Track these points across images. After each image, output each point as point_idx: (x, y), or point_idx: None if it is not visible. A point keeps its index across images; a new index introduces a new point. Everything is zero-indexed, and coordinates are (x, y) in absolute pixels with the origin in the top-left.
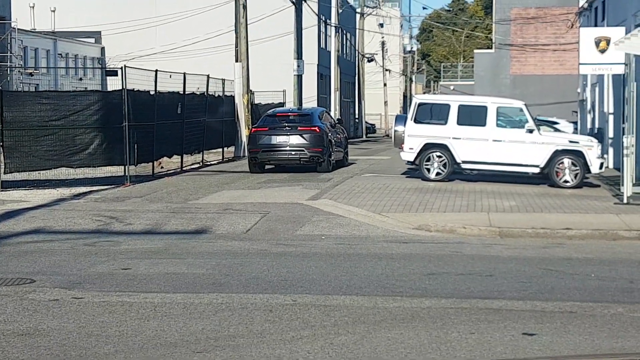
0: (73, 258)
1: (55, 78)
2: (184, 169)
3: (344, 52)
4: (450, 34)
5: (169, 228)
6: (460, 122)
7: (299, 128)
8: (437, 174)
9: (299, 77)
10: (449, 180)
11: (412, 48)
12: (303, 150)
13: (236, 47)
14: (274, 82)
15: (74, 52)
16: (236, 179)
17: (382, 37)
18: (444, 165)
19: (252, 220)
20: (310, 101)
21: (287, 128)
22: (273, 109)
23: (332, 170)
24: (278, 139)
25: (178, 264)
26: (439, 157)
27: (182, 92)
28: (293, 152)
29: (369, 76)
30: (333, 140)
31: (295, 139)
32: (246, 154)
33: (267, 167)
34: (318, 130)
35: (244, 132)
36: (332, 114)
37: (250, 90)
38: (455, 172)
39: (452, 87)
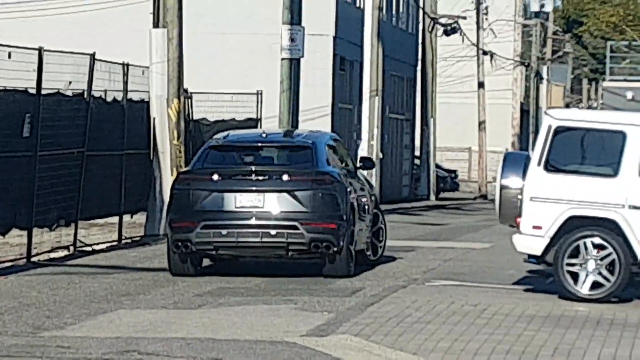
0: None
1: None
2: (34, 259)
3: (393, 13)
4: None
5: None
6: None
7: (285, 177)
8: (595, 285)
9: (293, 64)
10: (620, 299)
11: (542, 7)
12: (295, 228)
13: None
14: (239, 77)
15: None
16: (149, 285)
17: None
18: (611, 267)
19: None
20: (316, 116)
21: (258, 176)
22: (226, 133)
23: (353, 270)
24: (238, 201)
25: None
26: (600, 248)
27: (33, 92)
28: (273, 232)
29: (447, 66)
30: (357, 206)
31: (277, 202)
32: (167, 232)
33: (212, 258)
34: (329, 181)
35: (170, 180)
36: (361, 146)
37: (187, 91)
38: (636, 281)
39: (629, 94)
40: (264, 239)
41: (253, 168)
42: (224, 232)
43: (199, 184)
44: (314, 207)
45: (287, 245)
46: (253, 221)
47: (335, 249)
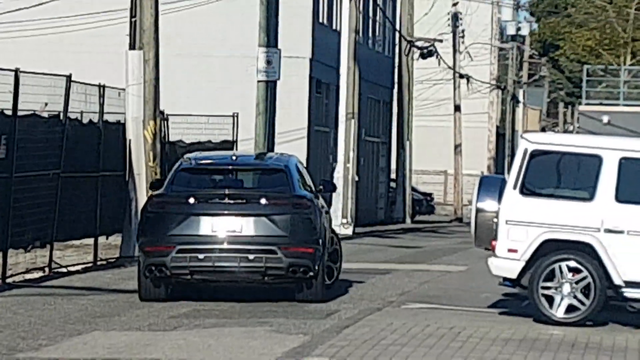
0: None
1: None
2: (9, 280)
3: (369, 36)
4: (604, 1)
5: None
6: (623, 196)
7: (263, 201)
8: (570, 308)
9: (269, 87)
10: (595, 323)
11: (519, 30)
12: (274, 252)
13: (132, 17)
14: (215, 99)
15: None
16: (124, 306)
17: (455, 4)
18: (586, 291)
19: None
20: (292, 139)
21: (235, 200)
22: (195, 154)
23: (325, 295)
24: (215, 225)
25: None
26: (576, 271)
27: (9, 113)
28: (251, 257)
29: (423, 89)
30: (326, 229)
31: (254, 227)
32: (139, 257)
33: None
34: (306, 205)
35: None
36: (336, 169)
37: (163, 113)
38: (611, 305)
39: (605, 118)
40: (242, 264)
41: (228, 191)
42: (201, 256)
43: (173, 207)
44: (292, 232)
45: (265, 270)
46: (230, 245)
47: (311, 273)
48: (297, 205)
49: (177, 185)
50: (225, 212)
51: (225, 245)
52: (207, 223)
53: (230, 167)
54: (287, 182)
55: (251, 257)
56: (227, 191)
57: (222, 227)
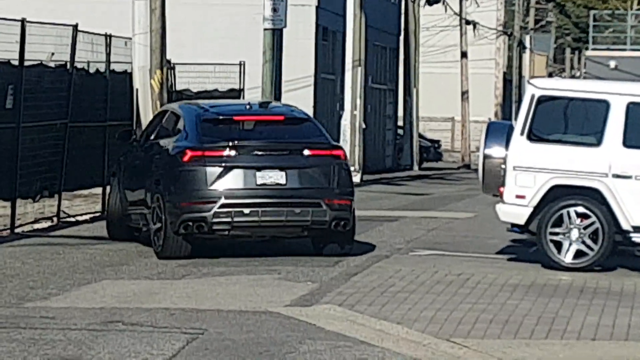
0: None
1: None
2: (18, 230)
3: None
4: None
5: None
6: (630, 141)
7: (306, 152)
8: (578, 254)
9: (276, 35)
10: (603, 268)
11: None
12: (319, 205)
13: None
14: (221, 48)
15: None
16: (132, 255)
17: None
18: (594, 236)
19: (168, 350)
20: (299, 87)
21: (277, 151)
22: (215, 105)
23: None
24: (259, 178)
25: None
26: (584, 217)
27: (16, 63)
28: (297, 210)
29: (430, 36)
30: None
31: (299, 178)
32: (167, 213)
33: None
34: (343, 155)
35: None
36: (343, 116)
37: (169, 62)
38: (619, 250)
39: (612, 63)
40: (289, 218)
41: (268, 142)
42: (246, 210)
43: (212, 160)
44: (334, 183)
45: (310, 224)
46: (276, 199)
47: (349, 227)
48: (336, 156)
49: (206, 136)
50: (268, 164)
51: (271, 199)
52: (251, 176)
53: (255, 116)
54: (319, 132)
55: (297, 210)
56: (266, 142)
57: (267, 180)
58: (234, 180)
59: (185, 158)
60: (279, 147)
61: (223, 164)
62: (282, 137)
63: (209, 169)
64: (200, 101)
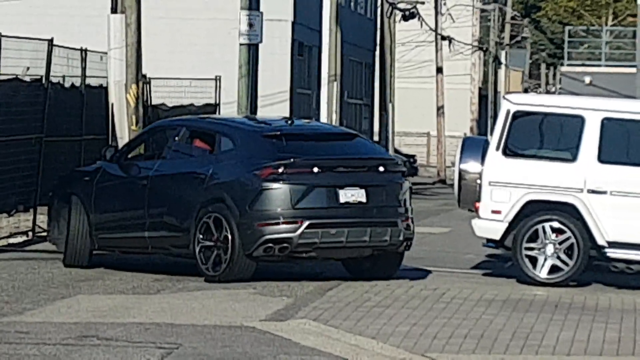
0: None
1: None
2: None
3: None
4: None
5: None
6: (605, 156)
7: (381, 169)
8: (553, 269)
9: (252, 50)
10: (578, 283)
11: None
12: (396, 225)
13: None
14: (197, 62)
15: None
16: (107, 271)
17: None
18: (569, 251)
19: None
20: (275, 102)
21: (355, 168)
22: (260, 120)
23: None
24: (342, 196)
25: None
26: (559, 232)
27: None
28: (379, 230)
29: (406, 51)
30: None
31: (377, 197)
32: (239, 235)
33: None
34: (405, 172)
35: None
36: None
37: (145, 77)
38: (594, 265)
39: (587, 79)
40: (372, 238)
41: (346, 158)
42: (333, 231)
43: (293, 178)
44: (403, 201)
45: (387, 245)
46: (359, 218)
47: (408, 250)
48: (404, 173)
49: (279, 152)
50: (350, 181)
51: (355, 219)
52: (332, 193)
53: (313, 133)
54: (379, 148)
55: (379, 230)
56: (344, 159)
57: (349, 198)
58: (318, 198)
59: (264, 175)
60: (358, 163)
61: (305, 182)
62: (357, 153)
63: (291, 187)
64: (214, 116)
